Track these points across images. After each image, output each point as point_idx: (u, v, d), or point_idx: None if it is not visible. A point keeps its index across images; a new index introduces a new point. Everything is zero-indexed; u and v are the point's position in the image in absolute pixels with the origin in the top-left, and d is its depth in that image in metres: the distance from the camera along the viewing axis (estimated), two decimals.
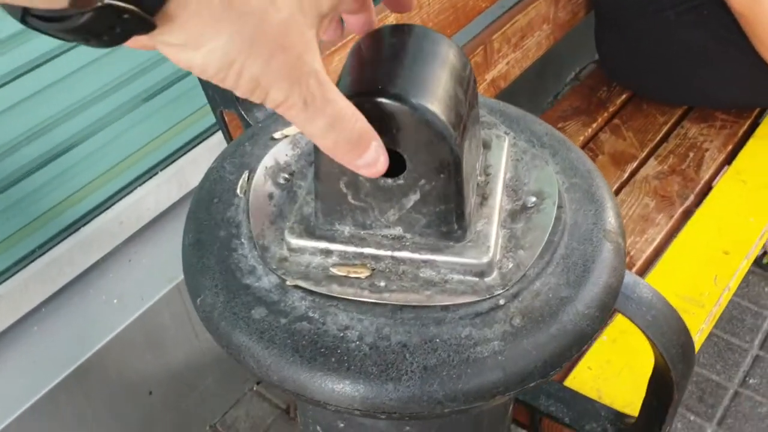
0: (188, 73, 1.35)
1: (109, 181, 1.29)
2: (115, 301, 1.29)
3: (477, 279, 0.51)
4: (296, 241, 0.52)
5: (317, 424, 0.64)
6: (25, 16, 0.31)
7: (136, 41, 0.34)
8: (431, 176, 0.48)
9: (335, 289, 0.50)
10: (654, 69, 1.50)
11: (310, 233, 0.52)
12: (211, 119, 1.42)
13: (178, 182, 1.38)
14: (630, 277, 0.70)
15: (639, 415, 0.92)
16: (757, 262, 1.74)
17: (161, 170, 1.37)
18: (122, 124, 1.28)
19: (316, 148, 0.48)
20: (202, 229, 0.55)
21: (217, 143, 1.41)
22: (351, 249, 0.52)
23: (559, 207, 0.54)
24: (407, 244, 0.52)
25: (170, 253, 1.36)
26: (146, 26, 0.32)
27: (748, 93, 1.45)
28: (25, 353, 1.20)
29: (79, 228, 1.27)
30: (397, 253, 0.51)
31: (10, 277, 1.17)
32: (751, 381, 1.57)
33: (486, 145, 0.57)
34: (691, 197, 1.30)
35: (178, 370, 1.42)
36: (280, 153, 0.59)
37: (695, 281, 1.14)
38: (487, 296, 0.50)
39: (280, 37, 0.35)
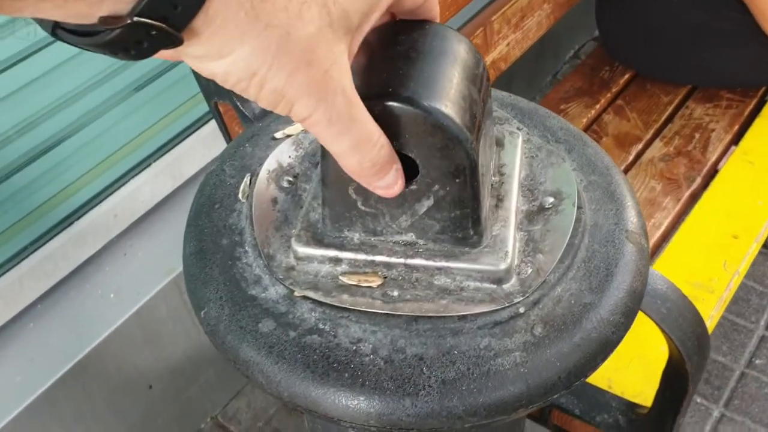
0: (180, 62, 1.31)
1: (102, 174, 1.26)
2: (111, 295, 1.26)
3: (495, 286, 0.48)
4: (304, 249, 0.49)
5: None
6: (55, 29, 0.32)
7: (162, 54, 0.34)
8: (445, 181, 0.45)
9: (346, 300, 0.47)
10: (657, 48, 1.47)
11: (318, 241, 0.50)
12: (205, 107, 1.39)
13: (172, 173, 1.35)
14: None
15: (652, 406, 0.90)
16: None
17: (155, 161, 1.34)
18: (114, 115, 1.24)
19: (323, 153, 0.45)
20: (204, 238, 0.52)
21: (212, 132, 1.38)
22: (361, 257, 0.49)
23: (579, 207, 0.51)
24: (420, 250, 0.49)
25: (166, 245, 1.34)
26: (173, 42, 0.32)
27: (753, 71, 1.43)
28: (21, 351, 1.17)
29: (73, 222, 1.24)
30: (410, 261, 0.49)
31: (5, 273, 1.15)
32: (757, 362, 1.56)
33: (499, 143, 0.55)
34: (698, 180, 1.28)
35: (178, 364, 1.40)
36: (282, 154, 0.56)
37: (704, 267, 1.12)
38: (506, 304, 0.47)
39: (307, 51, 0.35)
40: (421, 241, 0.49)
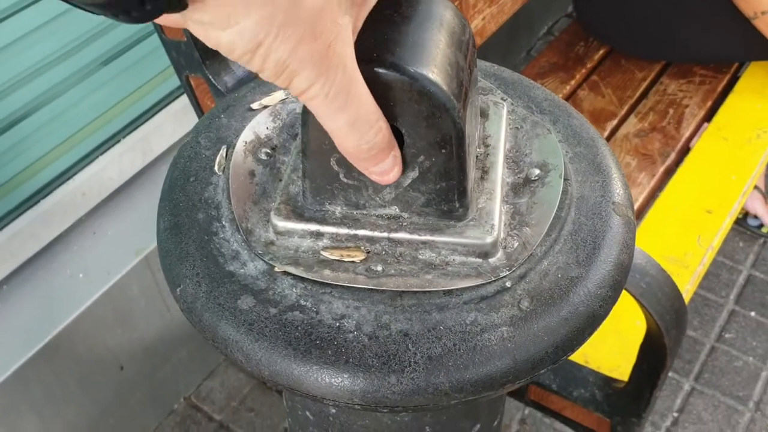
0: (148, 35, 1.27)
1: (68, 151, 1.23)
2: (80, 275, 1.23)
3: (481, 260, 0.47)
4: (283, 224, 0.48)
5: (306, 410, 0.61)
6: None
7: (167, 18, 0.33)
8: (431, 152, 0.44)
9: (328, 275, 0.46)
10: (631, 23, 1.46)
11: (299, 215, 0.48)
12: (175, 82, 1.36)
13: (142, 150, 1.32)
14: None
15: (629, 380, 0.91)
16: None
17: (124, 138, 1.30)
18: (80, 90, 1.20)
19: (303, 122, 0.43)
20: (179, 212, 0.50)
21: (184, 107, 1.34)
22: (344, 231, 0.48)
23: (565, 179, 0.50)
24: (404, 224, 0.48)
25: (136, 224, 1.31)
26: (178, 5, 0.31)
27: (725, 47, 1.43)
28: None
29: (40, 200, 1.20)
30: (393, 235, 0.47)
31: None
32: (727, 336, 1.58)
33: (483, 114, 0.53)
34: (672, 155, 1.28)
35: (150, 344, 1.37)
36: (259, 125, 0.54)
37: (679, 241, 1.12)
38: (493, 278, 0.46)
39: (312, 23, 0.34)
40: (405, 215, 0.47)
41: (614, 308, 1.13)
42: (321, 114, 0.38)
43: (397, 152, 0.42)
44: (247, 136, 0.53)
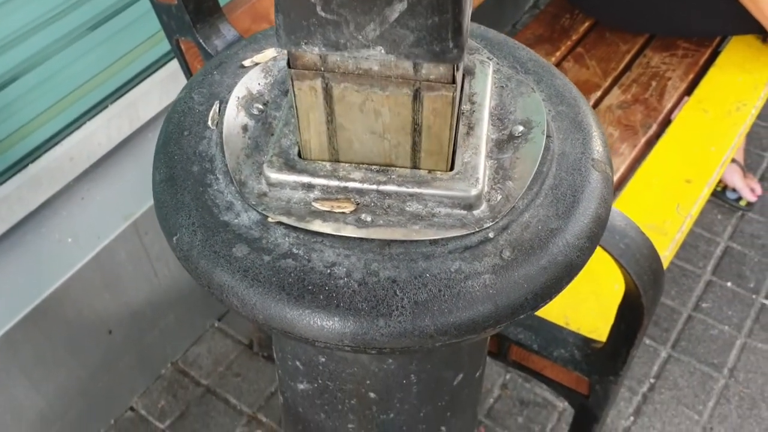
0: (137, 0, 1.27)
1: (56, 116, 1.23)
2: (69, 240, 1.24)
3: (465, 212, 0.49)
4: (276, 176, 0.49)
5: (296, 360, 0.63)
6: None
7: None
8: None
9: (319, 225, 0.48)
10: None
11: (291, 167, 0.50)
12: (164, 47, 1.36)
13: (129, 116, 1.32)
14: None
15: (607, 340, 0.94)
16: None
17: (112, 103, 1.30)
18: (68, 55, 1.20)
19: None
20: (174, 164, 0.51)
21: (171, 74, 1.34)
22: (334, 183, 0.49)
23: (548, 136, 0.52)
24: (393, 177, 0.50)
25: (125, 189, 1.31)
26: None
27: (708, 20, 1.45)
28: None
29: (27, 165, 1.21)
30: (382, 187, 0.49)
31: None
32: (703, 305, 1.62)
33: (469, 72, 0.55)
34: (654, 126, 1.31)
35: (138, 309, 1.39)
36: (251, 82, 0.56)
37: (658, 210, 1.15)
38: (477, 229, 0.48)
39: None
40: (392, 57, 0.42)
41: (594, 272, 1.16)
42: None
43: None
44: (239, 91, 0.55)
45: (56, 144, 1.24)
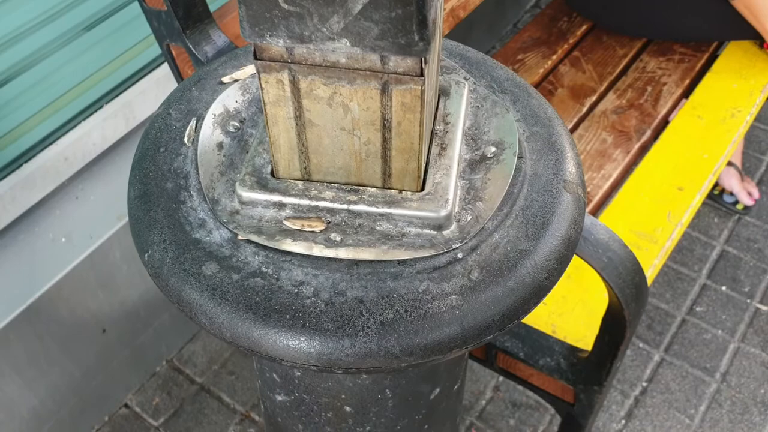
0: (131, 1, 1.28)
1: (51, 116, 1.23)
2: (63, 239, 1.25)
3: (435, 232, 0.49)
4: (248, 194, 0.50)
5: (273, 372, 0.64)
6: None
7: None
8: None
9: (289, 244, 0.48)
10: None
11: (263, 186, 0.50)
12: (158, 49, 1.36)
13: (125, 116, 1.33)
14: (587, 219, 0.70)
15: (592, 350, 0.94)
16: (709, 193, 1.78)
17: (107, 103, 1.31)
18: (63, 55, 1.21)
19: None
20: (149, 181, 0.52)
21: (166, 75, 1.35)
22: (305, 202, 0.50)
23: (520, 157, 0.53)
24: (364, 196, 0.50)
25: (119, 189, 1.32)
26: None
27: (705, 25, 1.45)
28: None
29: (22, 164, 1.21)
30: (353, 207, 0.50)
31: None
32: (698, 309, 1.62)
33: (445, 92, 0.55)
34: (648, 132, 1.30)
35: (133, 308, 1.40)
36: (229, 99, 0.56)
37: (650, 217, 1.15)
38: (445, 250, 0.49)
39: None
40: (357, 49, 0.42)
41: (582, 281, 1.16)
42: None
43: None
44: (216, 108, 0.55)
45: (51, 144, 1.24)
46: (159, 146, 0.54)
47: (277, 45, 0.42)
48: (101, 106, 1.30)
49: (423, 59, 0.43)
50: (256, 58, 0.44)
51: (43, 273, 1.22)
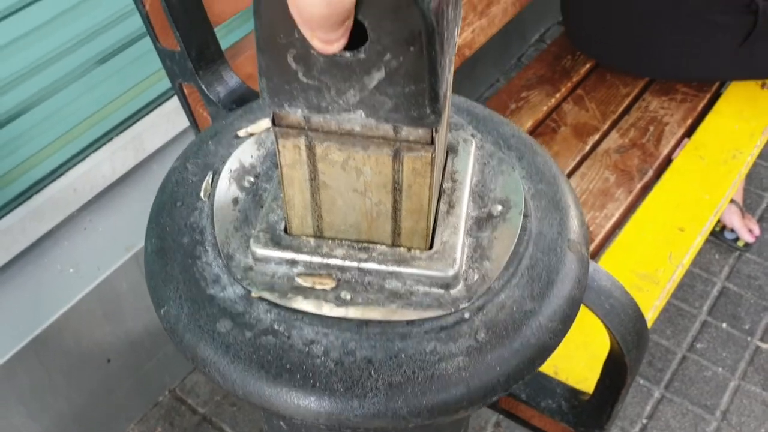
0: (143, 35, 1.30)
1: (62, 147, 1.25)
2: (71, 270, 1.26)
3: (443, 291, 0.51)
4: (262, 251, 0.51)
5: (281, 420, 0.65)
6: None
7: None
8: (398, 50, 0.39)
9: (300, 302, 0.50)
10: (617, 38, 1.50)
11: (276, 243, 0.51)
12: (168, 82, 1.38)
13: (134, 148, 1.35)
14: (591, 265, 0.71)
15: (593, 394, 0.95)
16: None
17: (117, 136, 1.33)
18: (76, 88, 1.23)
19: (255, 11, 0.40)
20: (165, 236, 0.53)
21: (175, 108, 1.37)
22: (317, 260, 0.51)
23: (525, 216, 0.54)
24: (374, 254, 0.51)
25: (127, 221, 1.34)
26: None
27: (708, 65, 1.47)
28: None
29: (32, 196, 1.23)
30: (363, 264, 0.51)
31: None
32: (698, 346, 1.63)
33: (453, 150, 0.57)
34: (650, 172, 1.32)
35: (137, 338, 1.41)
36: (244, 154, 0.58)
37: (651, 258, 1.16)
38: (453, 310, 0.50)
39: None
40: (372, 120, 0.44)
41: (584, 324, 1.17)
42: None
43: (350, 23, 0.38)
44: (232, 163, 0.57)
45: (61, 176, 1.26)
46: (176, 200, 0.56)
47: (295, 114, 0.44)
48: (111, 139, 1.32)
49: (433, 129, 0.45)
50: (274, 124, 0.46)
51: (51, 304, 1.23)
